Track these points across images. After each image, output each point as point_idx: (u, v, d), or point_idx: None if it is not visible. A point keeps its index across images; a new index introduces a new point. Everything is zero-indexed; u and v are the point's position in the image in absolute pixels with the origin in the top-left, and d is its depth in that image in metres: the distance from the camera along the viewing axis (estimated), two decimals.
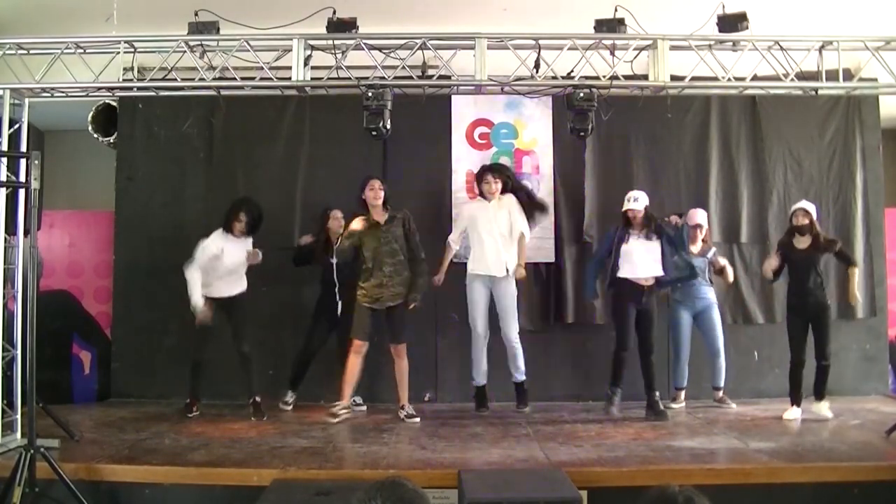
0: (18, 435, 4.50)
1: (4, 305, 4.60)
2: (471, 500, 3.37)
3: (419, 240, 5.48)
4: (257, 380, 5.58)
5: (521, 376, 5.67)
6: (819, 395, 5.39)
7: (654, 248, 5.47)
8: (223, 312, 5.51)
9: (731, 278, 5.94)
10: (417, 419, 5.34)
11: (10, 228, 4.63)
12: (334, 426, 5.19)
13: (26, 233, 4.51)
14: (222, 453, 4.39)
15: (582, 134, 5.08)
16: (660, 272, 5.45)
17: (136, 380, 6.17)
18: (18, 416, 4.55)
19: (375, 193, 5.36)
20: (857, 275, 5.52)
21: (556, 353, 6.28)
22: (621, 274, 5.45)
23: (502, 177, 5.70)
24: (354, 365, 5.32)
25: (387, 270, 5.33)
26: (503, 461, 4.27)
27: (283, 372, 5.95)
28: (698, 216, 5.85)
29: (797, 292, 5.40)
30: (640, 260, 5.45)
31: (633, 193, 5.57)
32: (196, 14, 4.77)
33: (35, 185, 4.09)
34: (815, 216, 5.42)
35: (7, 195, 4.58)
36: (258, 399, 5.50)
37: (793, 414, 5.37)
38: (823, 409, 5.35)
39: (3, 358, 4.50)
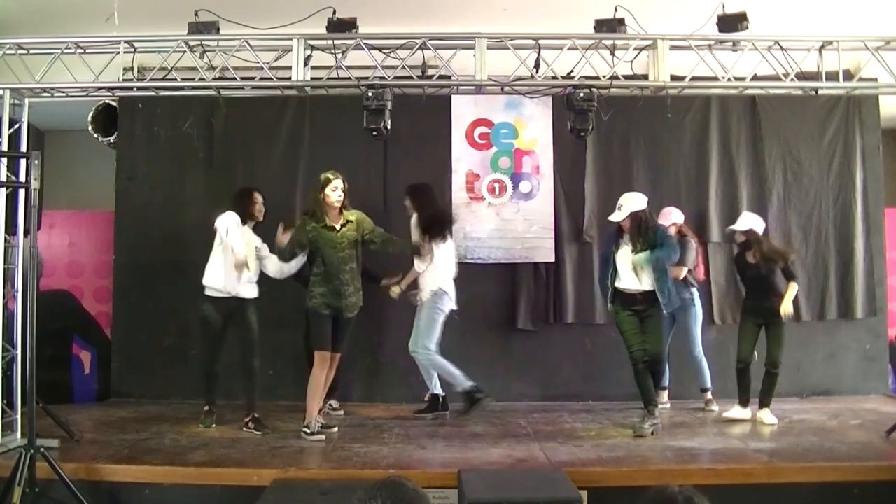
0: (18, 435, 4.50)
1: (4, 305, 4.60)
2: (471, 500, 3.37)
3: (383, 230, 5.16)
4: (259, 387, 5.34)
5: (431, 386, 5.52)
6: (763, 402, 5.27)
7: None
8: (234, 318, 5.17)
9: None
10: (321, 437, 4.82)
11: (10, 228, 4.63)
12: (334, 426, 5.20)
13: (26, 233, 4.51)
14: (222, 453, 4.39)
15: (582, 134, 5.07)
16: (647, 287, 4.96)
17: (136, 380, 6.17)
18: (18, 416, 4.55)
19: (339, 195, 4.89)
20: (795, 290, 5.32)
21: (556, 353, 6.29)
22: (616, 284, 5.06)
23: (414, 200, 5.49)
24: (322, 379, 4.89)
25: (343, 278, 4.88)
26: (503, 461, 4.27)
27: (284, 372, 5.95)
28: (672, 216, 5.73)
29: (750, 300, 5.46)
30: (624, 271, 5.04)
31: (621, 199, 5.08)
32: (196, 14, 4.78)
33: (35, 185, 4.09)
34: (759, 230, 5.33)
35: (7, 195, 4.58)
36: (257, 415, 5.08)
37: (737, 413, 5.32)
38: (767, 416, 5.22)
39: (3, 358, 4.50)
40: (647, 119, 6.21)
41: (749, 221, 5.40)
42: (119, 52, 4.82)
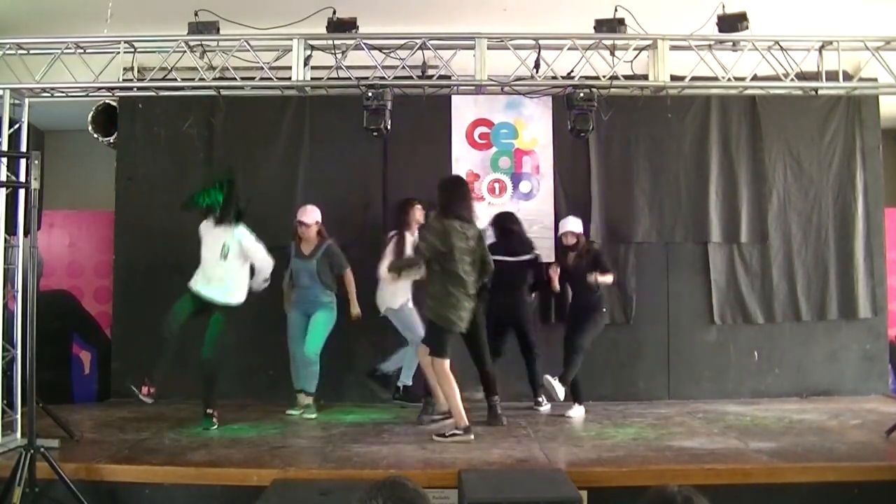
0: (18, 435, 4.50)
1: (4, 305, 4.60)
2: (471, 500, 3.37)
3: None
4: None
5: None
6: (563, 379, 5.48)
7: None
8: None
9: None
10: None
11: (10, 228, 4.63)
12: (335, 426, 5.19)
13: (26, 233, 4.51)
14: (222, 453, 4.39)
15: (582, 134, 5.08)
16: None
17: (136, 380, 6.15)
18: (18, 416, 4.55)
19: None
20: (609, 280, 5.60)
21: (557, 353, 6.27)
22: None
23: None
24: None
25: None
26: (503, 461, 4.27)
27: (284, 372, 5.94)
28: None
29: (572, 298, 5.78)
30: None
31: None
32: (196, 14, 4.78)
33: (35, 185, 4.09)
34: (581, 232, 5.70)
35: (7, 195, 4.58)
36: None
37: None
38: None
39: (3, 358, 4.50)
40: (647, 119, 6.21)
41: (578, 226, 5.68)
42: (119, 52, 4.82)
